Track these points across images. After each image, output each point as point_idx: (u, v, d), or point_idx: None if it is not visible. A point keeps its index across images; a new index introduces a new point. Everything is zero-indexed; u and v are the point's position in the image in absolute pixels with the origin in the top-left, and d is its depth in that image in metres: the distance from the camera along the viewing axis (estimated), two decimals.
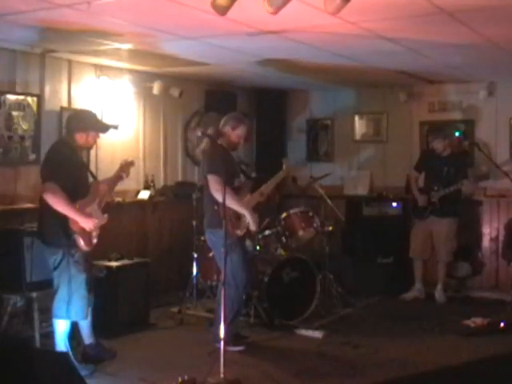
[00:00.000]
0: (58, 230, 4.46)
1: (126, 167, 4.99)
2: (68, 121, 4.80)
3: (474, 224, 7.16)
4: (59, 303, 4.54)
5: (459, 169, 6.56)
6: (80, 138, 4.64)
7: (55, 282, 4.57)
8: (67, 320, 4.58)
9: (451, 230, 6.61)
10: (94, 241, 4.58)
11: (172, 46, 5.35)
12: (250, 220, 5.01)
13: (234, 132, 5.11)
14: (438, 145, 6.59)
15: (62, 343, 4.59)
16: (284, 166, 5.46)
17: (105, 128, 4.88)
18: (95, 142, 4.84)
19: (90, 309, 4.74)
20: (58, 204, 4.37)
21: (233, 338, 5.00)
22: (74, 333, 4.78)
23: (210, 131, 5.18)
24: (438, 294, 6.68)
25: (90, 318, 4.78)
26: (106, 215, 4.66)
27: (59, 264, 4.50)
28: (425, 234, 6.73)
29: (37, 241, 4.79)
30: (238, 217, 5.04)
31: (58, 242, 4.50)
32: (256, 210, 5.14)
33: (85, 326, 4.79)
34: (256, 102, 8.19)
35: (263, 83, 7.63)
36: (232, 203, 4.86)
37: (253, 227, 5.06)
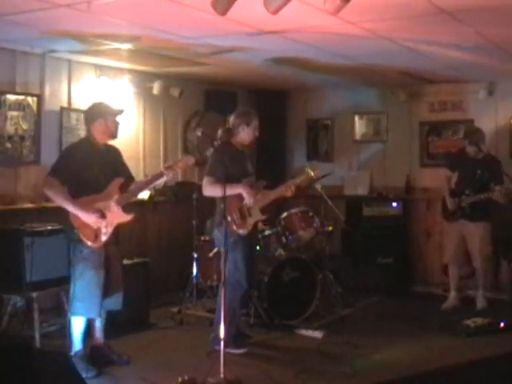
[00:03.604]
0: (67, 224, 4.51)
1: (174, 165, 4.72)
2: (84, 117, 4.81)
3: None
4: (71, 298, 4.53)
5: (493, 173, 6.22)
6: (100, 126, 4.59)
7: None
8: (77, 316, 4.54)
9: (485, 235, 6.30)
10: (103, 238, 4.50)
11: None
12: (244, 194, 4.96)
13: (249, 127, 5.08)
14: (470, 149, 6.26)
15: (76, 342, 4.58)
16: (305, 171, 5.29)
17: (118, 112, 4.79)
18: (117, 128, 4.73)
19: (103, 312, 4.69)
20: (54, 197, 4.43)
21: (233, 339, 4.99)
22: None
23: (219, 134, 5.11)
24: (479, 300, 6.41)
25: (100, 319, 4.71)
26: (130, 213, 4.60)
27: (71, 258, 4.52)
28: (458, 238, 6.43)
29: (37, 241, 4.80)
30: (243, 217, 5.03)
31: (67, 235, 4.56)
32: (265, 210, 5.12)
33: (95, 327, 4.74)
34: (256, 102, 8.18)
35: (263, 83, 7.63)
36: (227, 190, 4.77)
37: (248, 200, 4.99)
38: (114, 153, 4.84)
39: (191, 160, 4.98)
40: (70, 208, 4.42)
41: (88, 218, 4.43)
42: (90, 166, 4.55)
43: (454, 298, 6.51)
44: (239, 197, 4.99)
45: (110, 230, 4.54)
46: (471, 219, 6.29)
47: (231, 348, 4.84)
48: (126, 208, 4.62)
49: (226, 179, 4.62)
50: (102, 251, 4.53)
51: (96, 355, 4.75)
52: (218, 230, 5.05)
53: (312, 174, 5.29)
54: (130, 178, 4.81)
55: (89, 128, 4.68)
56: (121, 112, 4.82)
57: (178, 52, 5.59)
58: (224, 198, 4.55)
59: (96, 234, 4.48)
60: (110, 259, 4.62)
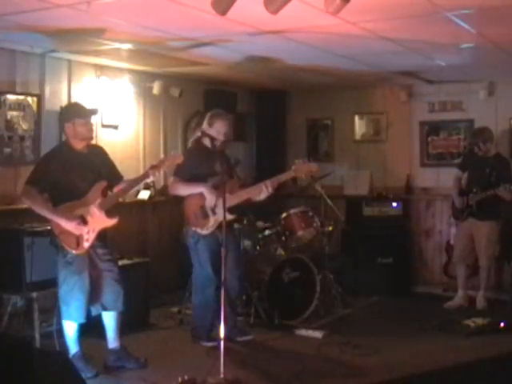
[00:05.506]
0: (51, 230, 4.49)
1: (160, 165, 4.63)
2: (58, 120, 4.77)
3: None
4: (60, 303, 4.53)
5: (502, 172, 6.23)
6: (68, 131, 4.52)
7: None
8: (67, 320, 4.54)
9: (492, 234, 6.33)
10: (85, 244, 4.42)
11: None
12: (205, 194, 5.00)
13: (212, 129, 5.09)
14: (476, 149, 6.33)
15: (71, 344, 4.57)
16: (293, 168, 5.23)
17: (87, 113, 4.62)
18: (89, 131, 4.57)
19: (114, 314, 4.65)
20: (33, 206, 4.40)
21: (206, 333, 5.16)
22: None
23: (198, 132, 5.21)
24: (479, 300, 6.41)
25: (114, 322, 4.68)
26: (114, 217, 4.50)
27: (57, 263, 4.50)
28: (466, 237, 6.46)
29: (37, 241, 4.79)
30: (206, 216, 5.03)
31: (51, 241, 4.52)
32: (233, 210, 5.00)
33: (108, 330, 4.71)
34: (256, 102, 8.19)
35: (263, 83, 7.62)
36: (186, 189, 5.06)
37: (210, 200, 5.00)
38: (97, 154, 4.71)
39: (179, 158, 4.91)
40: (50, 216, 4.39)
41: (68, 225, 4.36)
42: (68, 172, 4.46)
43: (460, 298, 6.50)
44: (201, 196, 5.03)
45: (93, 235, 4.45)
46: (479, 218, 6.32)
47: (203, 341, 5.12)
48: (109, 212, 4.53)
49: (190, 178, 4.94)
50: (86, 256, 4.48)
51: (110, 360, 4.71)
52: (184, 229, 5.23)
53: (295, 173, 5.24)
54: (117, 178, 4.75)
55: (64, 132, 4.61)
56: (92, 112, 4.69)
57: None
58: (223, 199, 4.57)
59: (78, 241, 4.41)
60: (97, 262, 4.56)
